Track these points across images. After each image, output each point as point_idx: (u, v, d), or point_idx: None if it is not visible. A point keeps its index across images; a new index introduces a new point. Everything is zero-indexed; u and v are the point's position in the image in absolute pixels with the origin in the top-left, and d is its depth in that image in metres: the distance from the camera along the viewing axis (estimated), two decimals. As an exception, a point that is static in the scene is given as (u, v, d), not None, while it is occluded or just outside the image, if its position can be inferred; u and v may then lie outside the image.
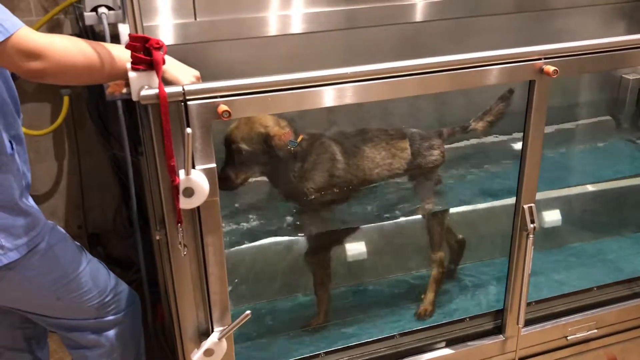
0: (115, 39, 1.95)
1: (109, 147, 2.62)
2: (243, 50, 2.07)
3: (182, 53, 1.97)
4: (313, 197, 1.84)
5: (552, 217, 2.36)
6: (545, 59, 1.59)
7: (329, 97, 1.46)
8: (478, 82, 1.61)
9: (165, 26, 1.96)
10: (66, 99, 2.43)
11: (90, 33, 2.42)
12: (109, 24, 1.86)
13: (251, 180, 1.83)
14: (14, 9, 1.71)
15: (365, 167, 1.89)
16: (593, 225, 2.50)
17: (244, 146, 1.74)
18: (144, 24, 1.86)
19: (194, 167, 1.39)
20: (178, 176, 1.37)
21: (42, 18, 2.29)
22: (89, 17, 1.84)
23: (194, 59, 2.00)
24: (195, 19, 1.93)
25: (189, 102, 1.35)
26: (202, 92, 1.36)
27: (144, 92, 1.32)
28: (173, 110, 1.35)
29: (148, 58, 1.32)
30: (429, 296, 2.09)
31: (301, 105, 1.47)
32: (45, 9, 2.34)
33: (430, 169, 1.99)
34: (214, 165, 1.42)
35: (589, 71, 1.69)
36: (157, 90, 1.31)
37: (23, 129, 2.46)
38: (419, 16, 2.22)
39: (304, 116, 1.93)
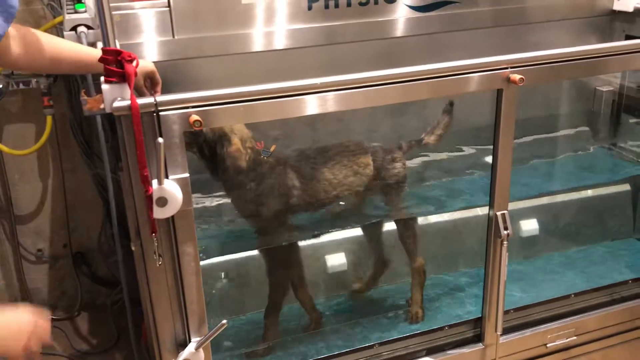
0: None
1: (93, 166, 2.64)
2: (224, 66, 2.11)
3: (162, 70, 2.03)
4: (266, 219, 1.85)
5: (529, 226, 2.39)
6: (511, 68, 1.64)
7: (300, 106, 1.50)
8: (448, 91, 1.66)
9: (147, 44, 1.99)
10: (49, 119, 2.46)
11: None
12: (88, 43, 1.90)
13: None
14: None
15: (323, 190, 1.89)
16: (571, 234, 2.53)
17: (203, 143, 1.74)
18: (128, 42, 1.94)
19: (167, 176, 1.42)
20: (151, 186, 1.39)
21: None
22: (68, 36, 1.88)
23: (174, 76, 2.06)
24: (174, 36, 1.97)
25: (161, 113, 1.38)
26: (174, 102, 1.39)
27: (116, 104, 1.35)
28: (146, 120, 1.38)
29: (120, 70, 1.35)
30: (416, 300, 2.12)
31: (272, 115, 1.50)
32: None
33: (394, 182, 2.01)
34: (187, 175, 1.44)
35: (554, 80, 1.74)
36: (129, 102, 1.35)
37: (7, 149, 2.51)
38: (397, 32, 2.26)
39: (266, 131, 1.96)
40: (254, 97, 1.45)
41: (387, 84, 1.56)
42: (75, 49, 1.57)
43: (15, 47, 1.43)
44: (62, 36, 1.94)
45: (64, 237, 2.81)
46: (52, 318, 2.85)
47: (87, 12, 1.92)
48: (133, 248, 1.54)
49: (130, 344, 2.44)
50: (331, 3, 2.12)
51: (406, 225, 2.09)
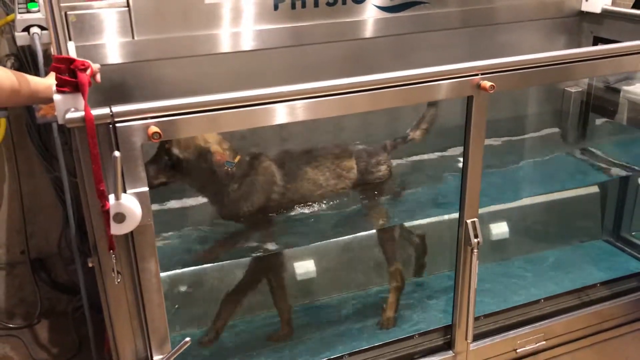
0: (50, 60, 1.89)
1: (51, 169, 2.54)
2: (188, 68, 2.04)
3: (122, 72, 1.95)
4: (249, 219, 1.80)
5: (499, 229, 2.37)
6: (482, 74, 1.60)
7: (266, 116, 1.44)
8: (417, 99, 1.62)
9: (106, 45, 1.91)
10: (3, 121, 2.35)
11: (28, 53, 2.36)
12: (42, 45, 1.81)
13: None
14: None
15: (306, 190, 1.86)
16: (540, 237, 2.52)
17: (176, 151, 1.69)
18: (85, 43, 1.85)
19: (125, 191, 1.35)
20: (108, 201, 1.32)
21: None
22: (20, 37, 1.78)
23: (136, 79, 1.98)
24: (134, 37, 1.89)
25: (117, 124, 1.31)
26: (131, 113, 1.32)
27: (69, 115, 1.27)
28: (102, 132, 1.30)
29: (73, 80, 1.28)
30: (391, 306, 2.09)
31: (236, 125, 1.44)
32: (-20, 28, 2.28)
33: (378, 185, 1.98)
34: (146, 188, 1.38)
35: (525, 86, 1.71)
36: (83, 113, 1.27)
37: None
38: (366, 33, 2.21)
39: (246, 134, 1.91)
40: (218, 106, 1.38)
41: (355, 92, 1.50)
42: (33, 81, 1.48)
43: None
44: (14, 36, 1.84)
45: (21, 243, 2.70)
46: (10, 327, 2.75)
47: (41, 11, 1.81)
48: (90, 265, 1.47)
49: (89, 353, 2.36)
50: (298, 3, 2.06)
51: (385, 229, 2.06)
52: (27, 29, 1.80)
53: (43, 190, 2.64)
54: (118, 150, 1.32)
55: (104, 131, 1.31)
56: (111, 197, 1.32)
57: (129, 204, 1.34)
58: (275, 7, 2.05)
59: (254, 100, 1.41)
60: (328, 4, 2.10)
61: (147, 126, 1.33)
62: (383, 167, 1.97)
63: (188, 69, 2.04)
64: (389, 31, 2.23)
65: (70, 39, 1.82)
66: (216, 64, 2.06)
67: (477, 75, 1.60)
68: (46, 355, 2.65)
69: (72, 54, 1.74)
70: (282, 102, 1.45)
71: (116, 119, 1.31)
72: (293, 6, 2.07)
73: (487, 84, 1.58)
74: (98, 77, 1.49)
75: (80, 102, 1.28)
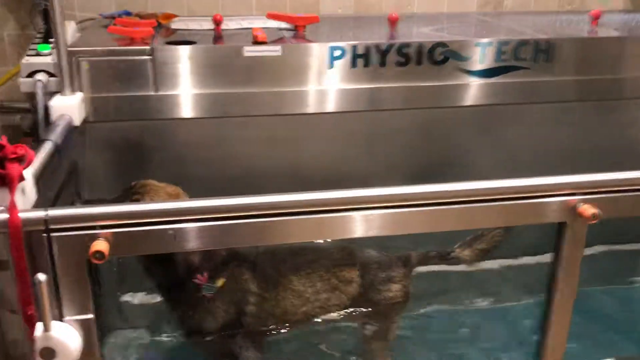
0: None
1: None
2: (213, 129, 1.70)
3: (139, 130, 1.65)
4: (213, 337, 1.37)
5: None
6: (581, 194, 1.13)
7: (258, 233, 1.06)
8: (486, 222, 1.17)
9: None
10: None
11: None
12: (47, 94, 1.54)
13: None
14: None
15: (288, 304, 1.40)
16: None
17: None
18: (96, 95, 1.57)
19: (61, 317, 1.02)
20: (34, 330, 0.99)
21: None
22: (25, 83, 1.54)
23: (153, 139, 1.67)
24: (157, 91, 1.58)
25: (53, 234, 0.98)
26: (72, 219, 0.99)
27: (-8, 216, 0.96)
28: (34, 241, 0.98)
29: (0, 172, 0.97)
30: None
31: (216, 243, 1.07)
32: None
33: (385, 309, 1.47)
34: (91, 316, 1.04)
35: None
36: (7, 215, 0.95)
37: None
38: (447, 100, 1.77)
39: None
40: (191, 216, 1.02)
41: (400, 208, 1.09)
42: None
43: None
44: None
45: None
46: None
47: (53, 55, 1.55)
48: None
49: None
50: (374, 60, 1.67)
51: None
52: (32, 74, 1.54)
53: None
54: (53, 265, 0.99)
55: (37, 240, 0.98)
56: (38, 326, 1.00)
57: (62, 336, 1.00)
58: (354, 64, 1.67)
59: (242, 211, 1.03)
60: (399, 63, 1.69)
61: (94, 237, 0.99)
62: (396, 287, 1.46)
63: (215, 129, 1.70)
64: (477, 100, 1.78)
65: (80, 89, 1.55)
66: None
67: (573, 195, 1.13)
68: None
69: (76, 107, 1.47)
70: (295, 215, 1.06)
71: (53, 226, 0.98)
72: (366, 64, 1.67)
73: (587, 209, 1.11)
74: None
75: (6, 199, 0.97)
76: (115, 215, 1.00)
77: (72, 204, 1.44)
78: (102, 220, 0.99)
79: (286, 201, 1.06)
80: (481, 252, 1.48)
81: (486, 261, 1.58)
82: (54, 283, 1.00)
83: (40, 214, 0.97)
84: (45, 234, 0.97)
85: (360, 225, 1.10)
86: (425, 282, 1.62)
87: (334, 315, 1.46)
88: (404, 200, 1.09)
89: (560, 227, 1.15)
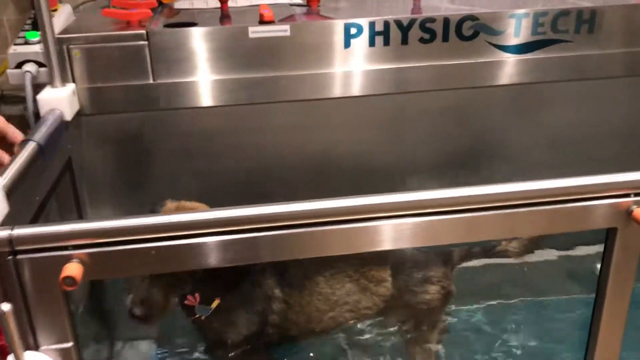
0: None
1: None
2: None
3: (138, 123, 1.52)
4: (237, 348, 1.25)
5: None
6: (635, 195, 0.96)
7: (257, 250, 0.92)
8: (527, 230, 1.01)
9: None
10: None
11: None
12: (34, 87, 1.42)
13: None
14: None
15: (313, 310, 1.27)
16: None
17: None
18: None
19: (37, 347, 0.91)
20: (6, 363, 0.88)
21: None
22: (13, 75, 1.42)
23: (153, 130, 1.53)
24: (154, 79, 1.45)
25: (20, 256, 0.86)
26: (41, 238, 0.86)
27: (-49, 238, 0.84)
28: (0, 264, 0.87)
29: (-43, 187, 0.84)
30: None
31: (200, 262, 0.93)
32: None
33: (422, 313, 1.34)
34: (69, 344, 0.92)
35: None
36: (-34, 238, 0.84)
37: None
38: (477, 80, 1.59)
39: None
40: (175, 232, 0.89)
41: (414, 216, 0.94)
42: None
43: None
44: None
45: None
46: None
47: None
48: None
49: None
50: (394, 37, 1.50)
51: None
52: (20, 64, 1.41)
53: None
54: (23, 291, 0.87)
55: (3, 263, 0.86)
56: (10, 358, 0.88)
57: (37, 369, 0.89)
58: (372, 44, 1.51)
59: (235, 225, 0.89)
60: (422, 40, 1.51)
61: (69, 258, 0.87)
62: (434, 288, 1.32)
63: (220, 119, 1.56)
64: (510, 78, 1.59)
65: (73, 80, 1.42)
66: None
67: (628, 196, 0.96)
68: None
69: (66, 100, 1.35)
70: (299, 227, 0.92)
71: (20, 247, 0.86)
72: (386, 42, 1.51)
73: (643, 213, 0.94)
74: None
75: (-34, 218, 0.85)
76: (91, 232, 0.87)
77: (62, 215, 1.32)
78: (75, 239, 0.86)
79: (302, 210, 0.92)
80: (530, 242, 1.34)
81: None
82: (26, 310, 0.89)
83: (3, 233, 0.85)
84: (10, 257, 0.86)
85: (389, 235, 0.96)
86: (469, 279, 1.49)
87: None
88: (438, 207, 0.94)
89: (610, 233, 0.99)
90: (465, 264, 1.40)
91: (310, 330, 1.28)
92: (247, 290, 1.22)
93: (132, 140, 1.51)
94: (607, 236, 1.00)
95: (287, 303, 1.25)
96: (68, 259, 0.86)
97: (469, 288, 1.53)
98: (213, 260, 0.92)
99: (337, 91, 1.52)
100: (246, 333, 1.23)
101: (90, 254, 0.86)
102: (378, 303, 1.31)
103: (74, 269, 0.84)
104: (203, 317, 1.11)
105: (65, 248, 0.86)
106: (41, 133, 1.20)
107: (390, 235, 0.96)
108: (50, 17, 1.32)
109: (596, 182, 0.96)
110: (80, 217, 1.48)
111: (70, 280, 0.83)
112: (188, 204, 1.22)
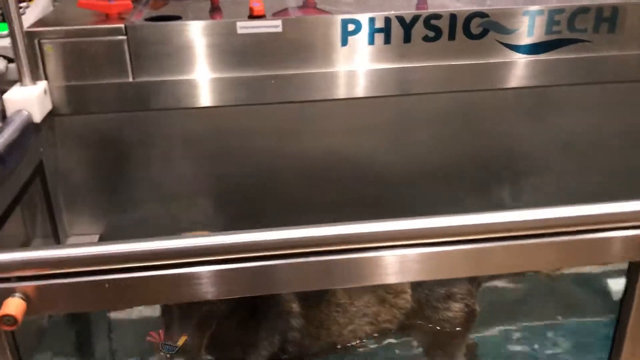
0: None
1: None
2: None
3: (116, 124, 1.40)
4: None
5: None
6: (662, 226, 0.84)
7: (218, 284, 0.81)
8: (538, 263, 0.89)
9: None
10: None
11: None
12: (8, 83, 1.31)
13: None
14: None
15: (333, 322, 1.19)
16: None
17: None
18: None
19: (-22, 389, 0.80)
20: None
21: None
22: (-24, 70, 1.32)
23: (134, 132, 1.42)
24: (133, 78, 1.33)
25: (-45, 288, 0.75)
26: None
27: None
28: None
29: None
30: None
31: (165, 297, 0.83)
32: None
33: (445, 334, 1.25)
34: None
35: None
36: None
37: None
38: (486, 82, 1.47)
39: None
40: (149, 262, 0.78)
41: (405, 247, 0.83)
42: None
43: None
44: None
45: None
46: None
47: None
48: None
49: None
50: (396, 34, 1.38)
51: None
52: (-11, 59, 1.31)
53: None
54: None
55: (-64, 296, 0.76)
56: (-54, 403, 0.78)
57: (-23, 415, 0.79)
58: (371, 41, 1.38)
59: (197, 255, 0.78)
60: (426, 38, 1.39)
61: (11, 292, 0.76)
62: (457, 306, 1.23)
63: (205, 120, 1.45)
64: (521, 81, 1.47)
65: (45, 77, 1.31)
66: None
67: (650, 227, 0.84)
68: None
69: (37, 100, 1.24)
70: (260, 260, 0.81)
71: (-46, 278, 0.75)
72: (387, 40, 1.39)
73: (671, 248, 0.82)
74: None
75: None
76: (36, 262, 0.76)
77: (32, 225, 1.22)
78: (19, 270, 0.76)
79: (289, 239, 0.81)
80: None
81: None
82: (-36, 348, 0.78)
83: None
84: (-56, 288, 0.75)
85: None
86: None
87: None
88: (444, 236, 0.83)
89: (633, 267, 0.87)
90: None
91: (331, 345, 1.21)
92: (266, 308, 1.14)
93: (110, 143, 1.40)
94: (629, 270, 0.88)
95: (306, 317, 1.17)
96: (10, 292, 0.75)
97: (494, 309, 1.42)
98: (183, 293, 0.81)
99: (332, 93, 1.41)
100: (267, 354, 1.15)
101: (37, 287, 0.76)
102: (398, 316, 1.22)
103: (13, 307, 0.73)
104: (169, 355, 1.01)
105: (7, 280, 0.76)
106: (2, 139, 1.09)
107: (394, 267, 0.85)
108: (18, 8, 1.21)
109: (616, 210, 0.84)
110: (54, 226, 1.38)
111: (9, 319, 0.72)
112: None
